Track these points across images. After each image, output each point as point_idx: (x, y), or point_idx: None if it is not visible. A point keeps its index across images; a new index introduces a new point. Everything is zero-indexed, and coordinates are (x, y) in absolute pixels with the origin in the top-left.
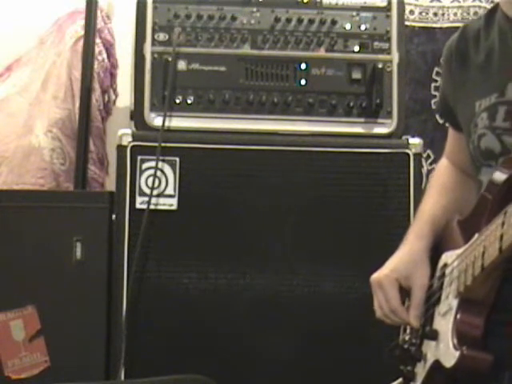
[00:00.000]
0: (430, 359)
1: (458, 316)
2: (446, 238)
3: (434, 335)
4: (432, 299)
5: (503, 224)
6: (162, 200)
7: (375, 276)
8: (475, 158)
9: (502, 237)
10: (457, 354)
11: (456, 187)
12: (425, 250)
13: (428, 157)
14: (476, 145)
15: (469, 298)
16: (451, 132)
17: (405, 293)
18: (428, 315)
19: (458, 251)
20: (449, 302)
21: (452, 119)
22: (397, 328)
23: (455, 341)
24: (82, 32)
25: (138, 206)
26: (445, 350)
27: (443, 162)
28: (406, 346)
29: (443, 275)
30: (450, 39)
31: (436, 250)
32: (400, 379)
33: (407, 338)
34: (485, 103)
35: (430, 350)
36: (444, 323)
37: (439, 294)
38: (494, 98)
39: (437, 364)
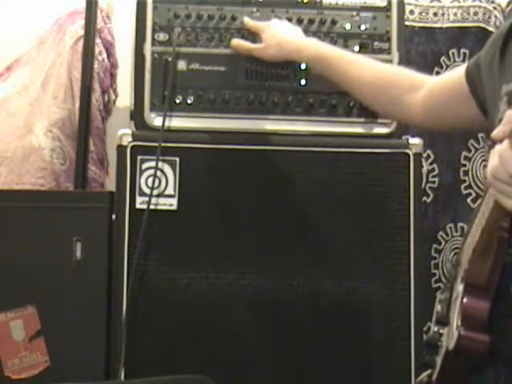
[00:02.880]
0: (444, 346)
1: (463, 299)
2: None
3: (446, 321)
4: (448, 287)
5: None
6: (162, 200)
7: None
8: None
9: (483, 217)
10: (456, 334)
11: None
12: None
13: (428, 157)
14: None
15: (471, 282)
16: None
17: None
18: (446, 303)
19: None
20: (457, 288)
21: (472, 82)
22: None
23: (459, 323)
24: (82, 32)
25: (138, 206)
26: (451, 334)
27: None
28: (431, 338)
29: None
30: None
31: None
32: (429, 370)
33: (436, 329)
34: (508, 88)
35: (445, 337)
36: (454, 308)
37: (453, 283)
38: None
39: (447, 350)
